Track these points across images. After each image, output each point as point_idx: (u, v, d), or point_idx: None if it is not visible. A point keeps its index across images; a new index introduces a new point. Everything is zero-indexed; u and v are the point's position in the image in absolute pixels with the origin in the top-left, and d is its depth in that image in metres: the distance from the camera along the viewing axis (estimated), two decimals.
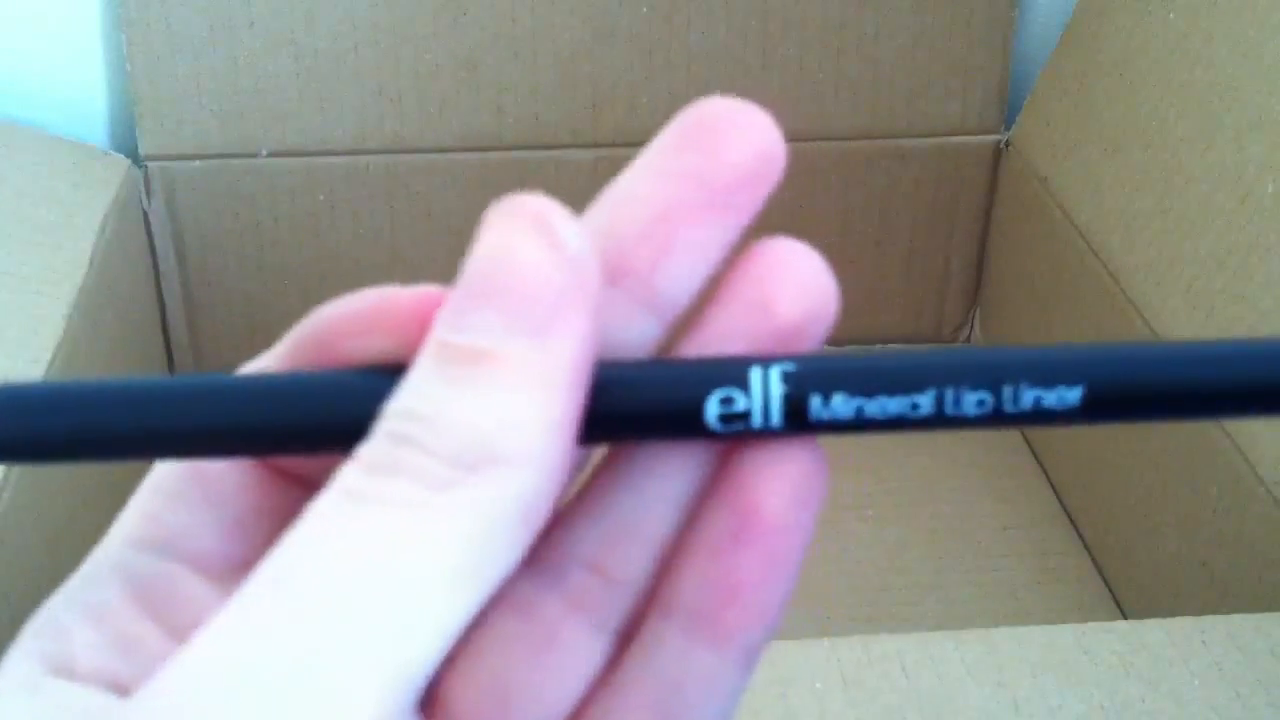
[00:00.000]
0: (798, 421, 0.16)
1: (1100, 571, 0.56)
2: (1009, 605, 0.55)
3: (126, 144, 0.63)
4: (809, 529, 0.17)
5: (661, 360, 0.17)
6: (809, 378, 0.16)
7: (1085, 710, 0.33)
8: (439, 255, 0.66)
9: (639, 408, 0.16)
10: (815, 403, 0.16)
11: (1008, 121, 0.66)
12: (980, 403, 0.15)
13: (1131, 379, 0.16)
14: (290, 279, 0.65)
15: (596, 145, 0.64)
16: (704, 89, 0.63)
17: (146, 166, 0.62)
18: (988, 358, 0.16)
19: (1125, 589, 0.54)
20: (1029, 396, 0.15)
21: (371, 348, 0.16)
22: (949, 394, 0.15)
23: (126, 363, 0.59)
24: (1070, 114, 0.60)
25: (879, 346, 0.70)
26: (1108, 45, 0.59)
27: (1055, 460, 0.61)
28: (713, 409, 0.16)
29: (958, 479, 0.61)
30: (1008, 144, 0.66)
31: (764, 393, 0.16)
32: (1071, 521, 0.59)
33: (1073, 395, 0.15)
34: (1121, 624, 0.35)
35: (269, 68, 0.61)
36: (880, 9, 0.62)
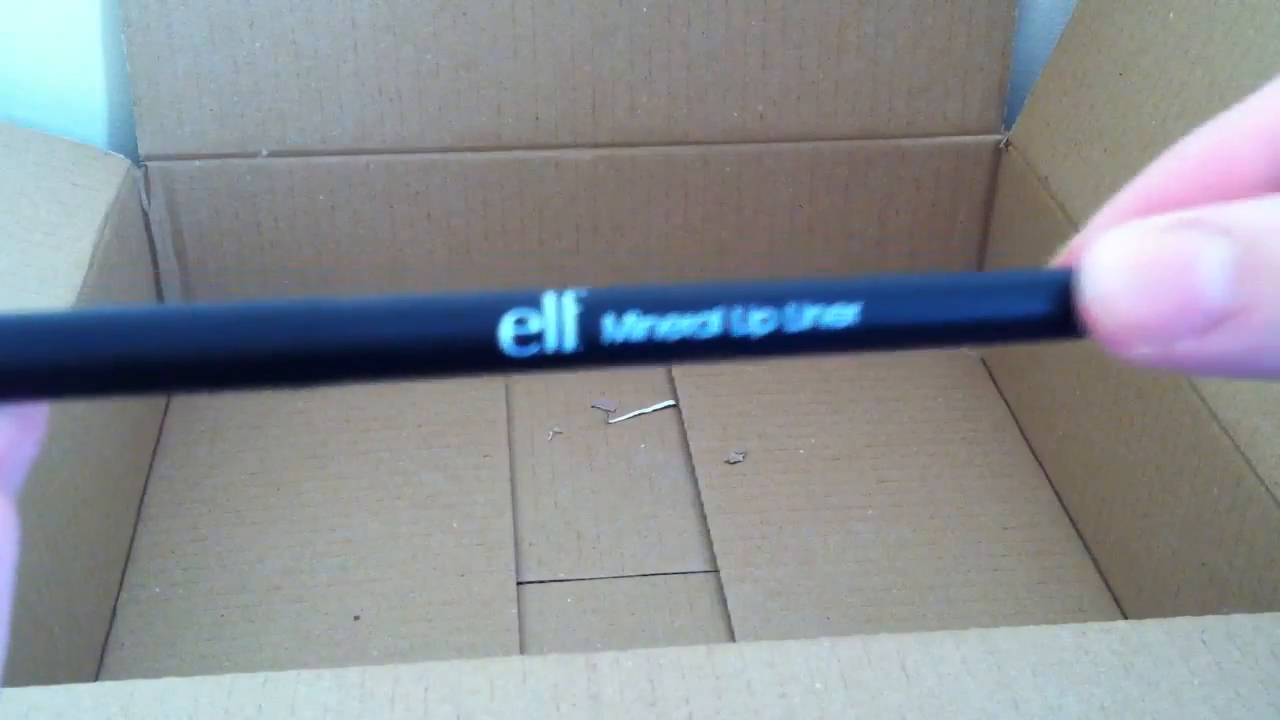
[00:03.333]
0: (592, 342, 0.16)
1: (1100, 571, 0.56)
2: (1009, 605, 0.55)
3: (126, 144, 0.63)
4: None
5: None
6: (602, 300, 0.16)
7: (1085, 710, 0.33)
8: (439, 255, 0.66)
9: (433, 331, 0.16)
10: (608, 322, 0.16)
11: (1008, 121, 0.66)
12: (764, 320, 0.16)
13: (906, 299, 0.17)
14: (290, 279, 0.65)
15: (596, 145, 0.64)
16: (704, 89, 0.63)
17: (146, 166, 0.62)
18: (770, 283, 0.17)
19: (1125, 589, 0.54)
20: (809, 314, 0.16)
21: None
22: (735, 312, 0.16)
23: None
24: (1070, 114, 0.60)
25: None
26: (1108, 45, 0.59)
27: (1055, 460, 0.61)
28: (507, 331, 0.16)
29: (958, 479, 0.61)
30: (1008, 144, 0.66)
31: (558, 314, 0.16)
32: (1071, 521, 0.59)
33: (849, 312, 0.16)
34: (1121, 624, 0.35)
35: (269, 68, 0.61)
36: (880, 9, 0.62)
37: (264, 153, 0.62)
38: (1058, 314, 0.17)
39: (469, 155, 0.63)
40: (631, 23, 0.61)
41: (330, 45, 0.61)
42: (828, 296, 0.16)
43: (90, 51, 0.63)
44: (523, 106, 0.63)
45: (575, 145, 0.64)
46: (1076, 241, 0.18)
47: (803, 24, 0.62)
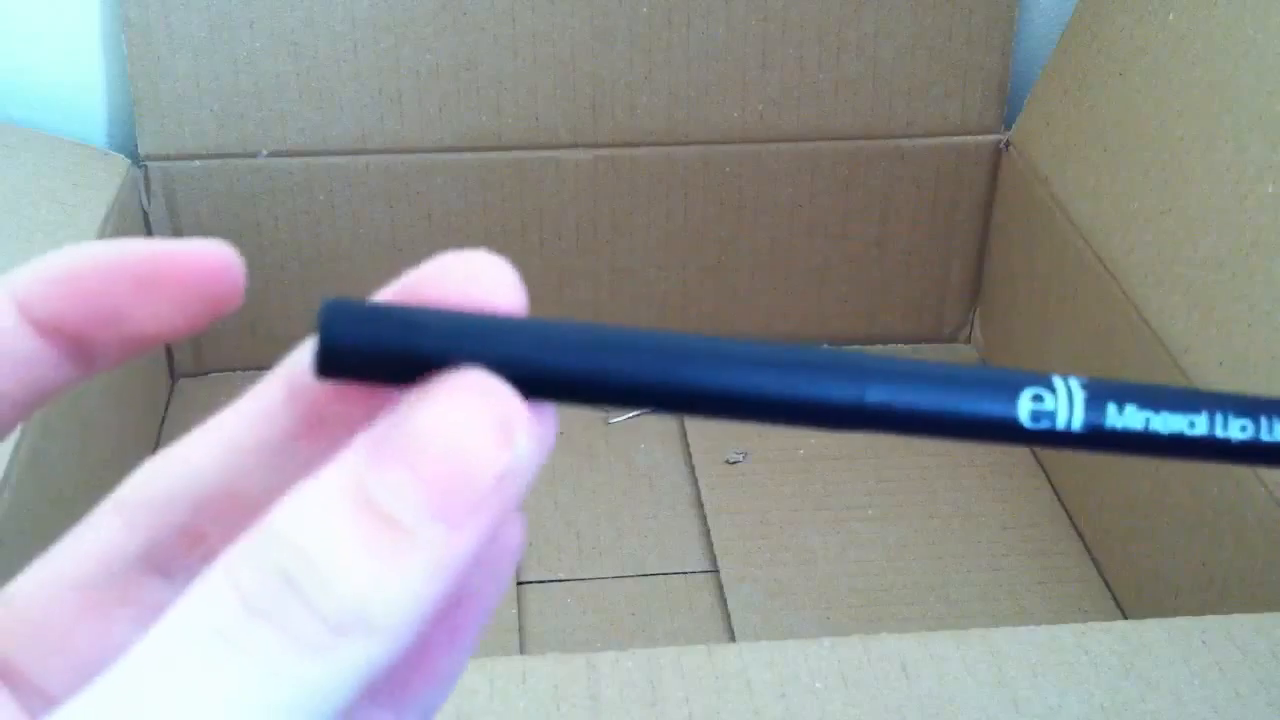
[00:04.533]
0: (1095, 426, 0.17)
1: (1100, 571, 0.56)
2: (1009, 605, 0.55)
3: (126, 144, 0.63)
4: (494, 597, 0.17)
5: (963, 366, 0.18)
6: (1105, 388, 0.18)
7: (1085, 710, 0.33)
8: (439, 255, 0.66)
9: (959, 403, 0.17)
10: (1112, 409, 0.17)
11: (1008, 121, 0.66)
12: (1243, 428, 0.18)
13: None
14: (290, 279, 0.65)
15: (596, 145, 0.64)
16: (704, 89, 0.63)
17: (146, 166, 0.62)
18: (1247, 395, 0.18)
19: (1125, 589, 0.54)
20: None
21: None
22: (1219, 417, 0.18)
23: (125, 362, 0.59)
24: (1070, 114, 0.60)
25: (878, 346, 0.70)
26: (1108, 45, 0.59)
27: (1055, 460, 0.61)
28: (1025, 405, 0.17)
29: (958, 479, 0.61)
30: (1008, 144, 0.66)
31: (1069, 395, 0.17)
32: (1071, 521, 0.59)
33: None
34: (1121, 624, 0.35)
35: (269, 68, 0.61)
36: (880, 9, 0.62)
37: (264, 153, 0.62)
38: None
39: (469, 155, 0.63)
40: (631, 23, 0.61)
41: (330, 45, 0.61)
42: None
43: (90, 51, 0.63)
44: (523, 106, 0.63)
45: (575, 145, 0.64)
46: None
47: (803, 24, 0.62)
